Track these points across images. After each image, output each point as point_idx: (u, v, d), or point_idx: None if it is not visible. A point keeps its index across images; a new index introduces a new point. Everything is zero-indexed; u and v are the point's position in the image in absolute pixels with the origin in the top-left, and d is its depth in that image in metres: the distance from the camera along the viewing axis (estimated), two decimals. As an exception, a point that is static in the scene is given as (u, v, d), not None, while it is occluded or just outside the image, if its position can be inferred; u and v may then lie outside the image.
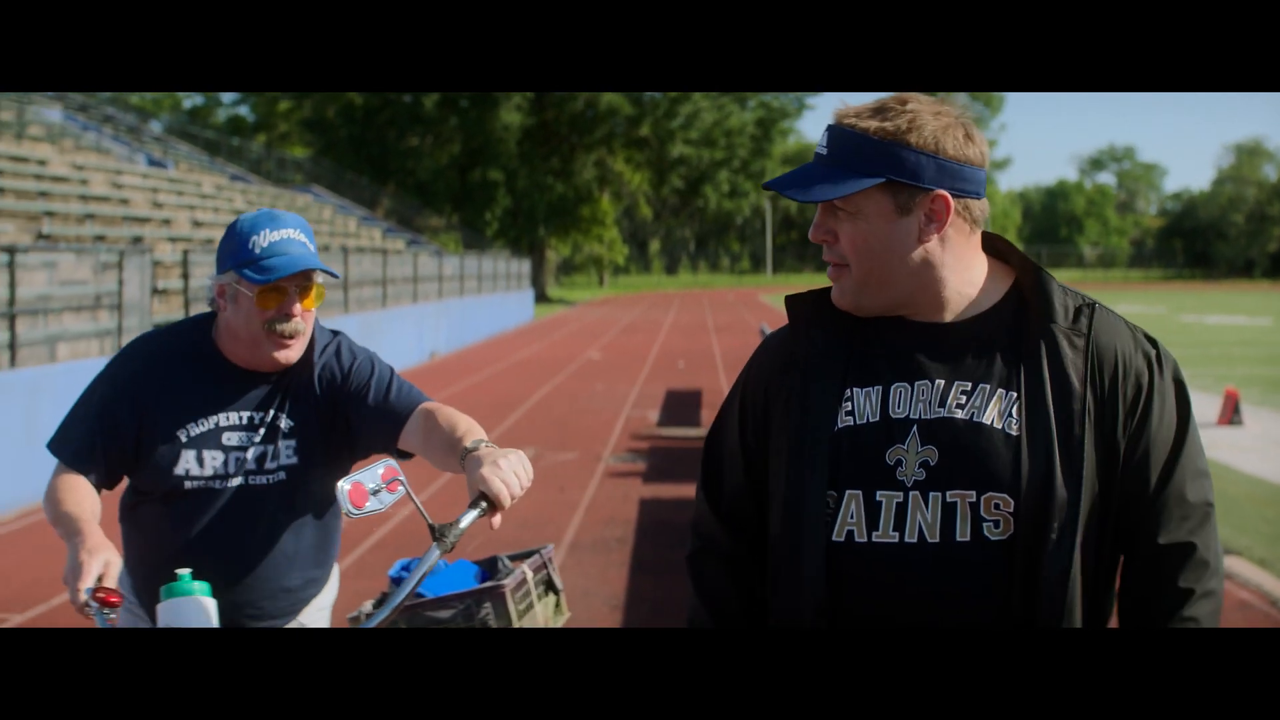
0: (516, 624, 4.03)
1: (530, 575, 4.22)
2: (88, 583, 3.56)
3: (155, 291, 22.62)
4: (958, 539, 2.89)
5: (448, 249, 63.18)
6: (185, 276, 22.83)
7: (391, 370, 4.42)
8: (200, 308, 20.74)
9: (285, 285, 4.15)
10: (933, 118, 2.95)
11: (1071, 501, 2.88)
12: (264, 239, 4.14)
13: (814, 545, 2.96)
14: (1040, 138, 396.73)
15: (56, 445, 4.28)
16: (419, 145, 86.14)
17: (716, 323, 54.71)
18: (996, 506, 2.89)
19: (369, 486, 3.39)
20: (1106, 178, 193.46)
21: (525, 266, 68.64)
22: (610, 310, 71.86)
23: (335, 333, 4.51)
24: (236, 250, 4.18)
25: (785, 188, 3.02)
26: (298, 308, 4.18)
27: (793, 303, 3.22)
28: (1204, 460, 3.03)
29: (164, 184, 35.67)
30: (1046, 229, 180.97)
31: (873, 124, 2.94)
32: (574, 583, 10.73)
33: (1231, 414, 20.01)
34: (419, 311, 38.30)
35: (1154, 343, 3.05)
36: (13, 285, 17.11)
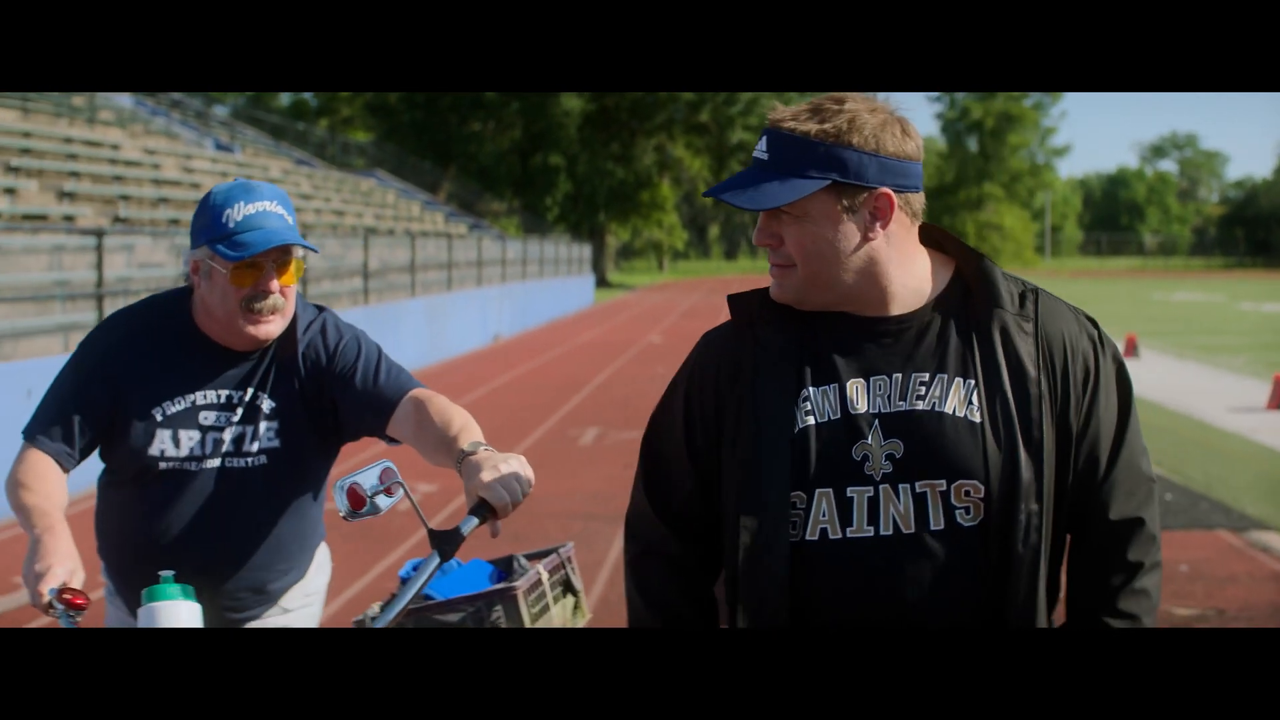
0: (530, 627, 3.87)
1: (545, 576, 4.01)
2: (50, 585, 3.45)
3: (233, 273, 23.16)
4: (931, 528, 2.94)
5: (508, 233, 63.78)
6: (261, 259, 23.23)
7: (379, 350, 4.24)
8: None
9: (261, 261, 3.96)
10: (870, 115, 2.98)
11: (1038, 483, 2.95)
12: (238, 212, 3.95)
13: (781, 548, 2.99)
14: (1101, 125, 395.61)
15: (28, 426, 4.12)
16: (481, 130, 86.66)
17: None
18: (967, 493, 2.94)
19: (366, 488, 3.32)
20: (1168, 165, 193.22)
21: (586, 251, 69.21)
22: (670, 295, 72.21)
23: (321, 309, 4.32)
24: (210, 224, 3.99)
25: (729, 195, 3.06)
26: (275, 284, 3.99)
27: (735, 302, 3.23)
28: (1143, 438, 3.11)
29: (233, 168, 36.25)
30: (1107, 216, 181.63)
31: (813, 126, 2.97)
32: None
33: (1279, 401, 20.39)
34: (483, 295, 38.86)
35: (1095, 324, 3.13)
36: (100, 267, 17.71)
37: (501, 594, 3.82)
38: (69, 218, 22.76)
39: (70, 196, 24.49)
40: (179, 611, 3.36)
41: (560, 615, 4.03)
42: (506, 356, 32.33)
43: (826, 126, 2.95)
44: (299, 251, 4.06)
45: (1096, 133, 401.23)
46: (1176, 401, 21.52)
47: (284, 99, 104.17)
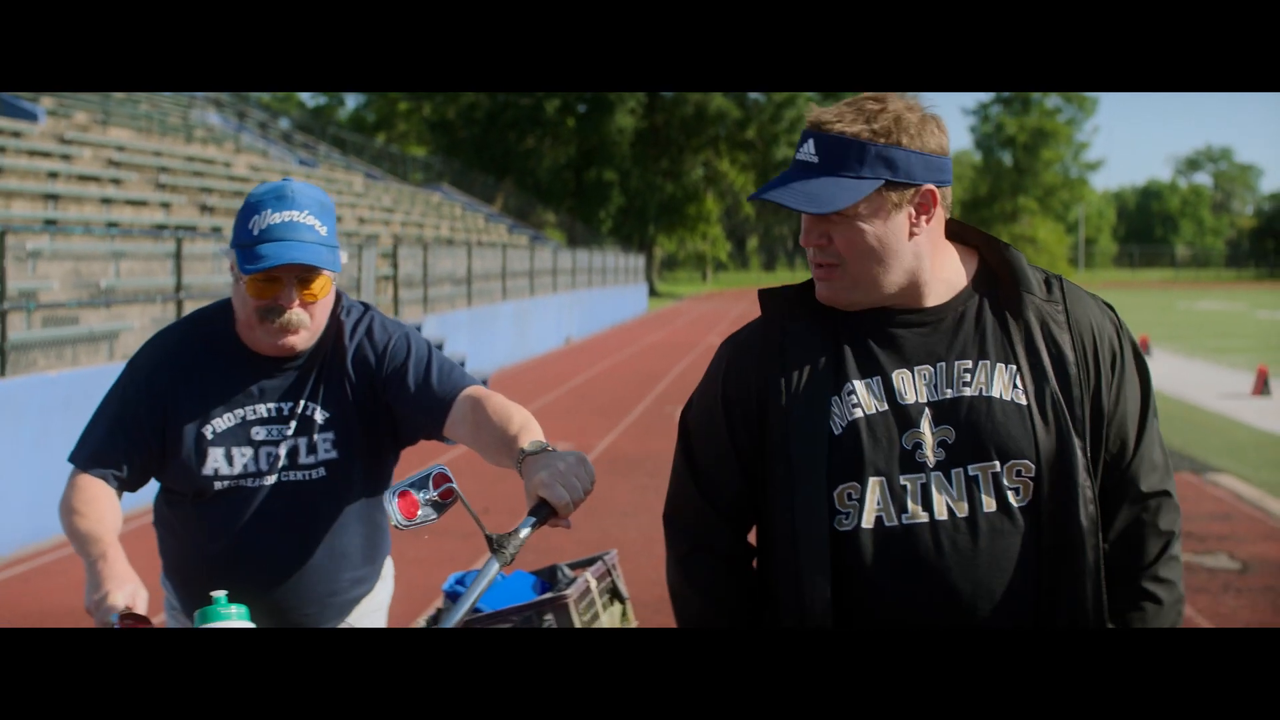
0: None
1: (594, 583, 3.94)
2: (114, 612, 3.32)
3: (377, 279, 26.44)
4: (985, 510, 2.93)
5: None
6: (395, 265, 26.68)
7: (429, 348, 4.03)
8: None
9: (280, 275, 3.72)
10: (910, 114, 2.98)
11: (1086, 460, 2.96)
12: (264, 219, 3.70)
13: (819, 540, 2.97)
14: (1136, 139, 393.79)
15: (75, 452, 3.92)
16: (538, 147, 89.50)
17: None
18: (1018, 474, 2.93)
19: (419, 496, 3.12)
20: (1203, 178, 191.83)
21: (640, 262, 71.96)
22: (718, 303, 74.71)
23: (366, 306, 4.08)
24: (238, 228, 3.77)
25: (786, 198, 2.99)
26: (294, 300, 3.77)
27: (767, 297, 3.19)
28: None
29: (322, 183, 38.52)
30: (1141, 229, 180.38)
31: (861, 127, 2.94)
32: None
33: (1261, 388, 24.09)
34: (557, 301, 42.03)
35: (1112, 308, 3.16)
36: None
37: (553, 602, 3.78)
38: (215, 229, 25.30)
39: (210, 210, 27.44)
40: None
41: (609, 622, 3.99)
42: (585, 355, 35.69)
43: (875, 127, 2.95)
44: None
45: (1132, 146, 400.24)
46: (1176, 390, 24.75)
47: (341, 115, 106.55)
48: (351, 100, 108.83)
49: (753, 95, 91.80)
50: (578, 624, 3.77)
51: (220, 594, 3.14)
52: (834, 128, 2.97)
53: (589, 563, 4.10)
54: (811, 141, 3.00)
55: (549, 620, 3.74)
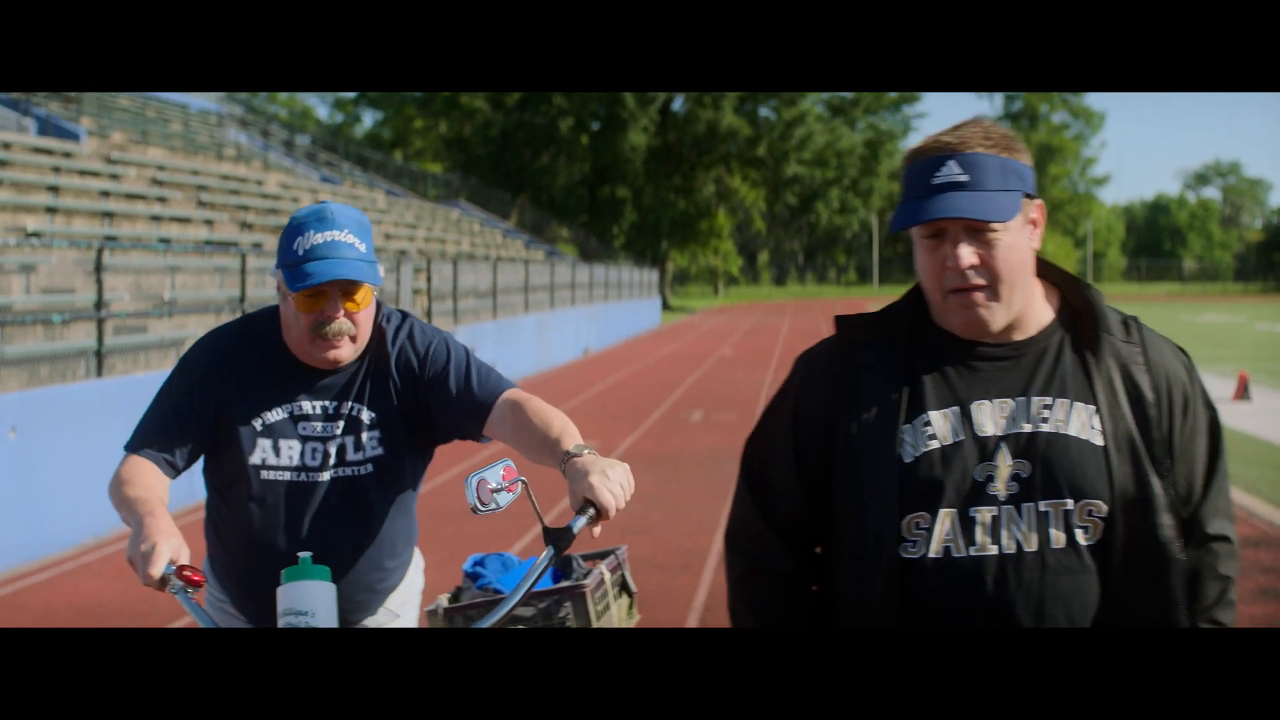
0: (595, 625, 3.96)
1: (608, 576, 4.09)
2: (163, 562, 3.40)
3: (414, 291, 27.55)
4: (1053, 546, 2.96)
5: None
6: (429, 280, 27.90)
7: (468, 352, 4.20)
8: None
9: (326, 289, 3.91)
10: (1008, 132, 3.05)
11: (1166, 500, 2.97)
12: (307, 240, 3.90)
13: (886, 572, 3.01)
14: (1145, 153, 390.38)
15: (130, 442, 4.06)
16: (552, 164, 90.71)
17: (831, 328, 57.22)
18: (1089, 513, 2.95)
19: (491, 485, 3.37)
20: (1212, 192, 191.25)
21: (654, 276, 72.99)
22: (729, 317, 75.37)
23: (405, 314, 4.26)
24: (284, 249, 3.97)
25: (964, 211, 2.96)
26: (340, 311, 3.95)
27: (845, 324, 3.24)
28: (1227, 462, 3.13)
29: (347, 200, 39.67)
30: (1150, 242, 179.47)
31: (992, 145, 3.00)
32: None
33: (1241, 393, 25.29)
34: (575, 314, 43.21)
35: (1185, 353, 3.18)
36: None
37: (571, 591, 3.96)
38: (256, 245, 26.48)
39: (249, 227, 28.58)
40: (319, 591, 3.48)
41: (618, 615, 4.13)
42: (602, 366, 36.83)
43: (1000, 143, 3.02)
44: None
45: (1141, 160, 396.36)
46: (1162, 395, 25.22)
47: (357, 132, 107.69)
48: (368, 117, 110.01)
49: (763, 113, 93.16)
50: (592, 612, 3.96)
51: (306, 554, 3.56)
52: (970, 147, 3.01)
53: (603, 555, 4.29)
54: (953, 162, 2.99)
55: (567, 607, 3.94)
